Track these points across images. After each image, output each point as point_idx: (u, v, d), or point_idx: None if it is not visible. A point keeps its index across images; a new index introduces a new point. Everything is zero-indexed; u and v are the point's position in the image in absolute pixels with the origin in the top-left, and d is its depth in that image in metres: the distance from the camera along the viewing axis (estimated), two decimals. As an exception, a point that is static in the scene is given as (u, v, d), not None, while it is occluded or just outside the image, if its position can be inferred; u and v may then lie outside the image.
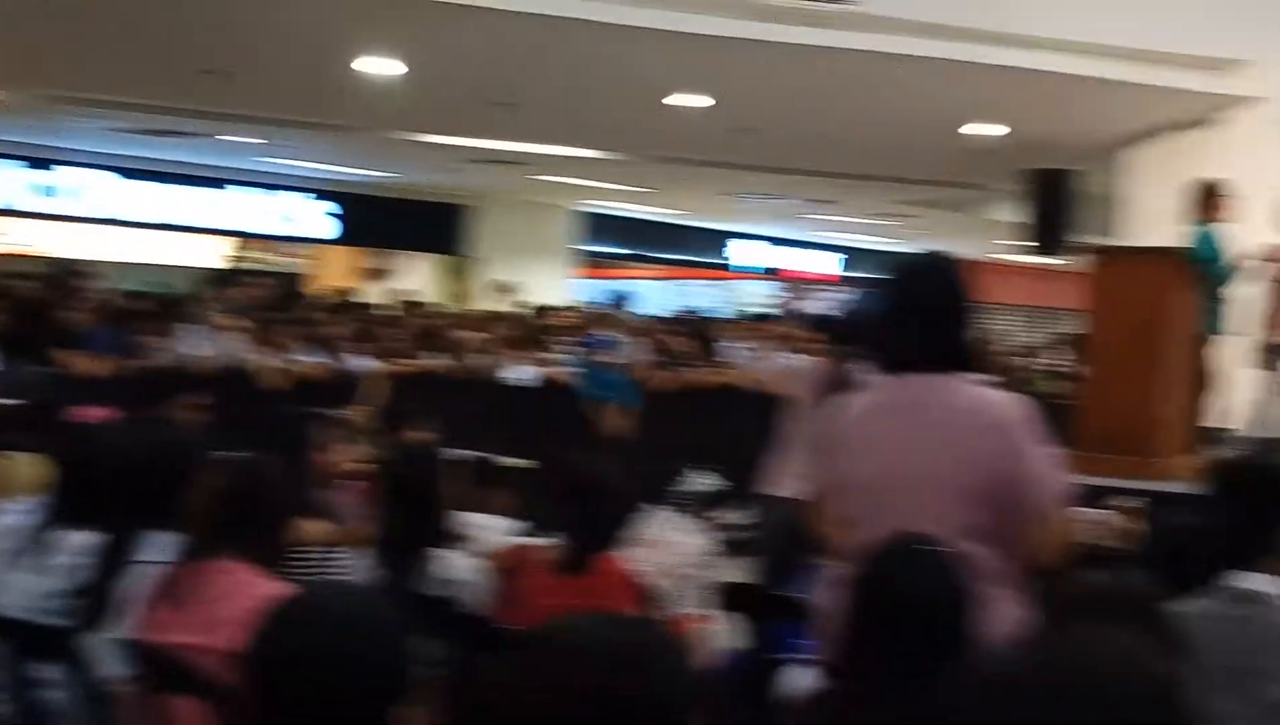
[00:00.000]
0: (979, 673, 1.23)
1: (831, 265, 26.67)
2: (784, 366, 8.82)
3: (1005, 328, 24.07)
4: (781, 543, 4.85)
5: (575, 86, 11.55)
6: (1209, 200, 8.91)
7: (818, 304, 20.97)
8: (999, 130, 12.37)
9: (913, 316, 3.25)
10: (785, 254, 26.00)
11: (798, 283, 25.82)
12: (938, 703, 1.21)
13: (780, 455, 6.41)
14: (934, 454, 3.14)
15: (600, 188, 18.92)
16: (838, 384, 6.32)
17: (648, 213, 22.38)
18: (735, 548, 6.02)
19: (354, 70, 10.83)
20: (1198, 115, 11.69)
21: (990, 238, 18.98)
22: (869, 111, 11.90)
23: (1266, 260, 8.85)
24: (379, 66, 10.79)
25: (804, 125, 12.63)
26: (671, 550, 5.64)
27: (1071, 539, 3.22)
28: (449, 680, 2.38)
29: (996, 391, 3.29)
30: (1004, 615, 2.86)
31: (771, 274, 26.15)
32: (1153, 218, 11.24)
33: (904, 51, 9.94)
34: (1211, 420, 8.96)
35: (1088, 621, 2.07)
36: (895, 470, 3.17)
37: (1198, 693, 2.70)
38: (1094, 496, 6.83)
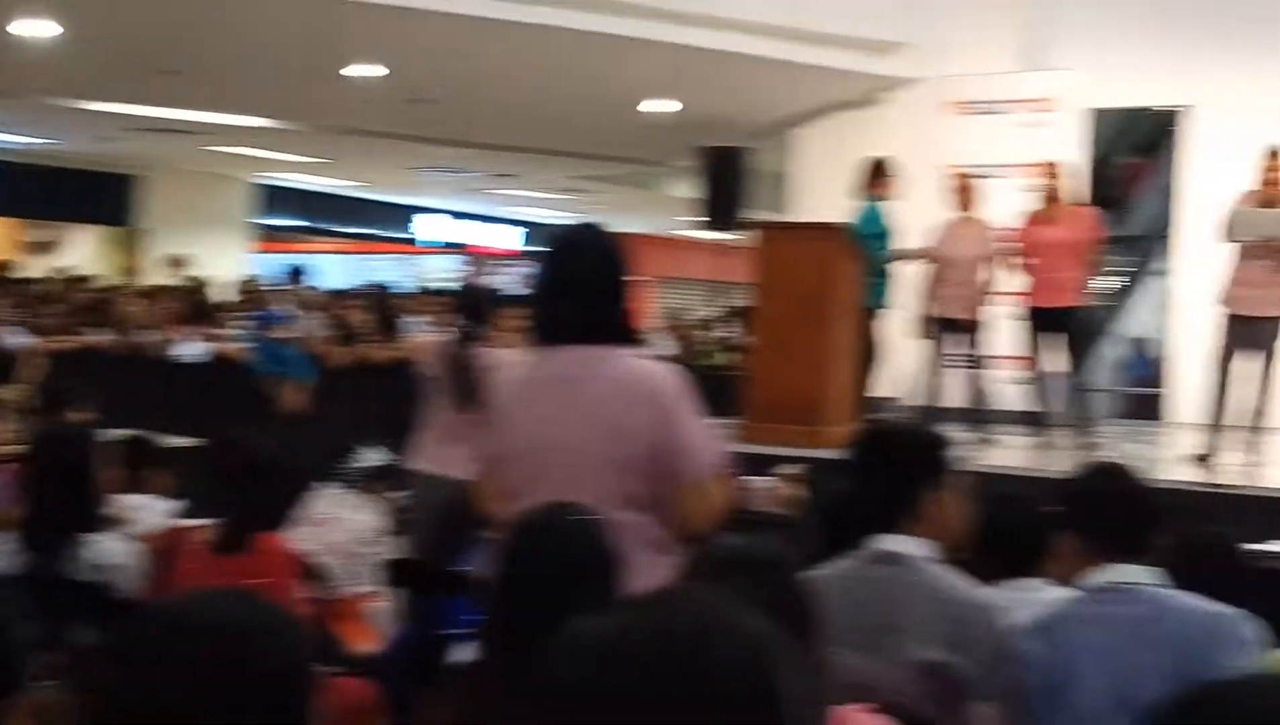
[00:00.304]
0: (573, 635, 1.21)
1: (515, 240, 26.71)
2: (420, 340, 8.88)
3: (685, 301, 24.55)
4: (447, 517, 4.82)
5: (247, 55, 11.21)
6: (875, 177, 9.24)
7: (499, 278, 20.97)
8: (674, 107, 12.57)
9: (566, 289, 3.25)
10: (471, 228, 25.92)
11: (480, 257, 25.77)
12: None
13: (425, 430, 6.39)
14: (588, 425, 3.15)
15: (278, 159, 18.47)
16: (459, 358, 6.36)
17: (329, 186, 21.97)
18: (404, 524, 5.97)
19: (7, 32, 10.26)
20: (864, 95, 12.13)
21: (670, 213, 19.31)
22: (547, 86, 11.93)
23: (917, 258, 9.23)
24: (33, 28, 10.26)
25: (481, 98, 12.59)
26: (340, 527, 5.55)
27: (727, 506, 3.27)
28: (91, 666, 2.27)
29: (651, 363, 3.31)
30: (660, 582, 2.89)
31: (457, 248, 26.03)
32: (822, 194, 11.61)
33: (577, 26, 9.98)
34: (878, 391, 9.33)
35: (714, 585, 2.10)
36: (550, 442, 3.17)
37: (834, 652, 2.80)
38: (764, 464, 7.04)
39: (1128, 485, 3.18)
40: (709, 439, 3.26)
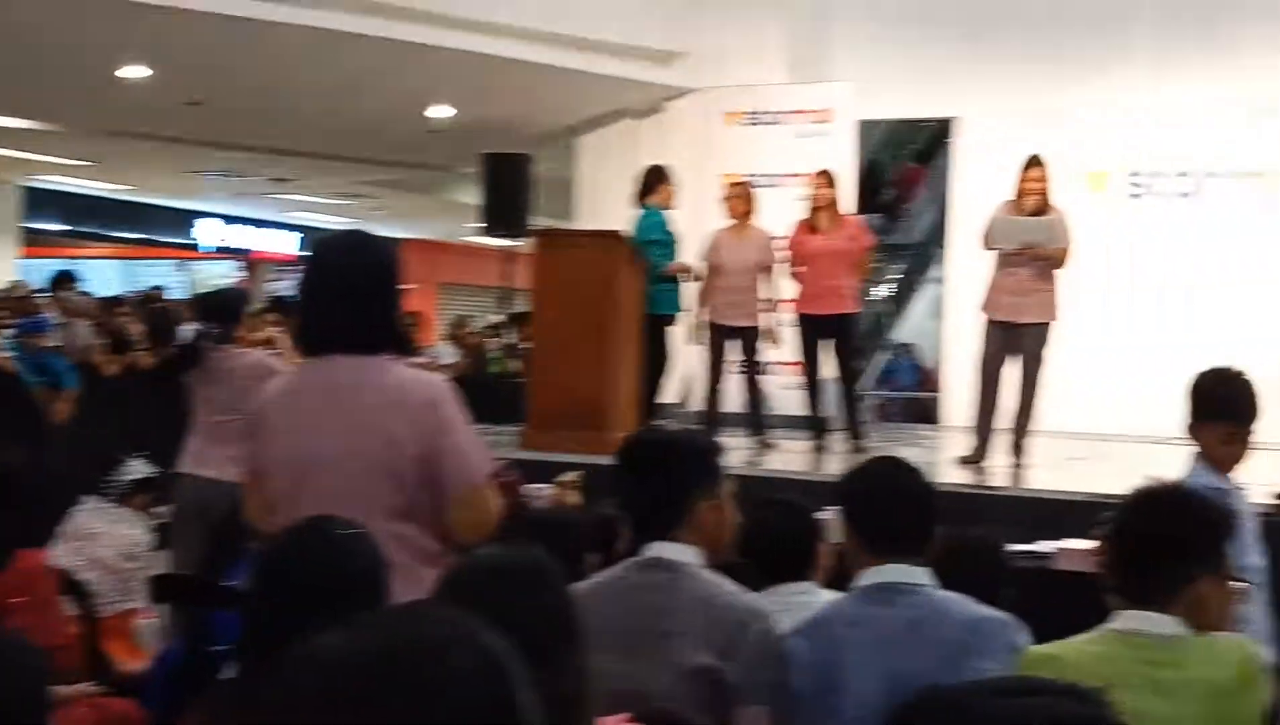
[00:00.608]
0: (309, 649, 1.19)
1: (295, 246, 26.22)
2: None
3: (473, 308, 24.44)
4: (218, 527, 4.71)
5: (12, 54, 10.80)
6: (652, 185, 9.30)
7: (278, 284, 20.58)
8: (455, 113, 12.51)
9: (331, 296, 3.19)
10: (255, 234, 25.37)
11: (258, 263, 25.26)
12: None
13: (192, 434, 6.28)
14: (356, 435, 3.10)
15: (47, 161, 17.81)
16: (197, 360, 6.29)
17: (103, 189, 21.27)
18: (171, 533, 5.81)
19: None
20: (646, 104, 12.24)
21: (456, 219, 19.21)
22: (324, 89, 11.76)
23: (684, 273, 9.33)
24: None
25: (257, 101, 12.34)
26: (104, 542, 5.37)
27: (498, 516, 3.24)
28: None
29: (420, 372, 3.28)
30: (428, 594, 2.85)
31: (240, 254, 25.45)
32: (606, 201, 11.69)
33: (349, 29, 9.86)
34: (662, 397, 9.39)
35: (473, 596, 2.08)
36: (315, 453, 3.11)
37: (605, 659, 2.79)
38: (546, 471, 7.01)
39: (902, 483, 3.15)
40: (480, 449, 3.23)
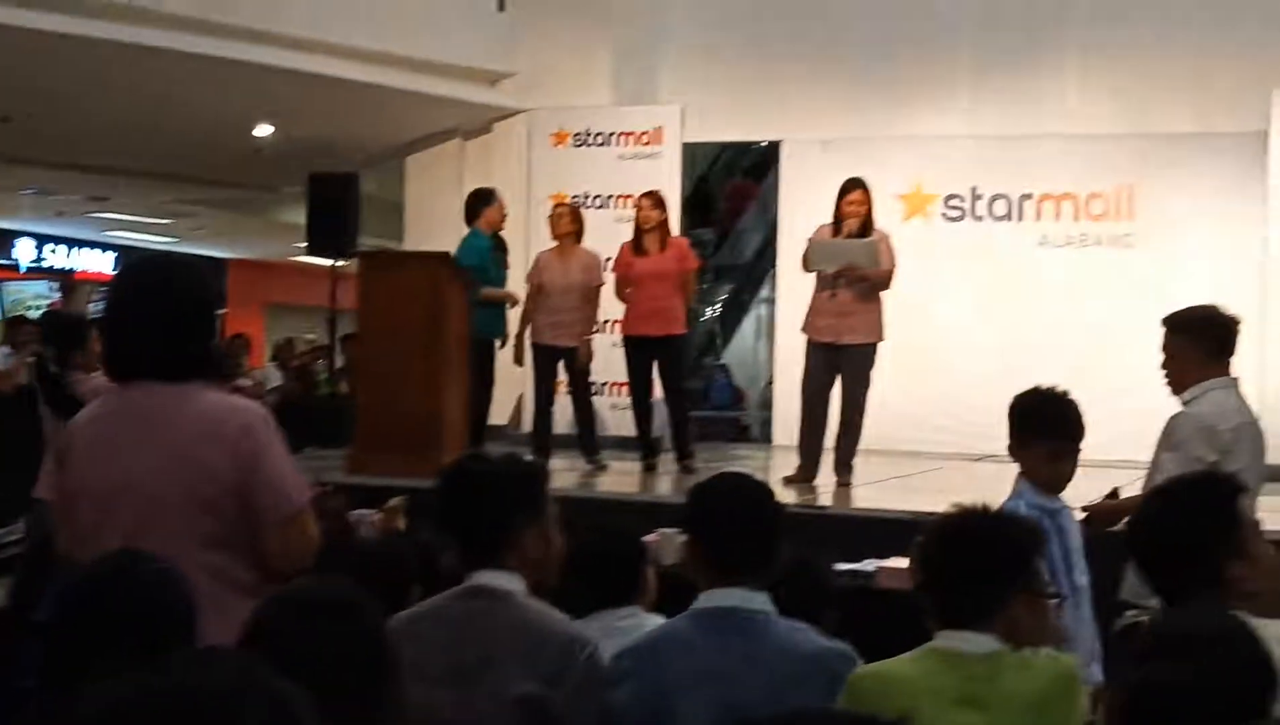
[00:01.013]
0: (98, 695, 1.14)
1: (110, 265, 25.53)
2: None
3: (301, 329, 24.06)
4: (30, 558, 4.55)
5: None
6: (479, 209, 9.23)
7: (99, 305, 20.02)
8: (280, 132, 12.31)
9: (139, 322, 3.09)
10: (75, 254, 24.65)
11: (78, 284, 24.56)
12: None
13: (44, 461, 6.11)
14: (167, 464, 3.01)
15: None
16: (54, 386, 6.14)
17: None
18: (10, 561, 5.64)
19: None
20: (474, 124, 12.19)
21: (285, 240, 18.92)
22: (143, 106, 11.48)
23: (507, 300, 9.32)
24: None
25: (69, 117, 12.00)
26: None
27: (315, 545, 3.17)
28: None
29: (234, 399, 3.20)
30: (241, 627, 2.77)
31: (61, 274, 24.70)
32: (434, 222, 11.61)
33: (167, 46, 9.63)
34: (491, 419, 9.32)
35: (282, 634, 2.03)
36: (125, 482, 3.02)
37: (428, 691, 2.75)
38: (373, 495, 6.90)
39: (749, 504, 3.10)
40: (296, 477, 3.16)
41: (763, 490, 3.17)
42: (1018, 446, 4.13)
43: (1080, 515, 4.49)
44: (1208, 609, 2.48)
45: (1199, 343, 4.66)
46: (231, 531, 3.04)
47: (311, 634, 2.04)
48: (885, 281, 8.13)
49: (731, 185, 17.05)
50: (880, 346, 8.22)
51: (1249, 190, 10.31)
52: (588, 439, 9.19)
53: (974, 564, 2.78)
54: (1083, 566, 4.14)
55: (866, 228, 8.15)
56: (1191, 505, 2.87)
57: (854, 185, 8.21)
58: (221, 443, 3.02)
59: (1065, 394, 4.14)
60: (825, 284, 8.15)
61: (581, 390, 9.22)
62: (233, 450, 3.02)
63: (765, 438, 12.44)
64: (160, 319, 3.07)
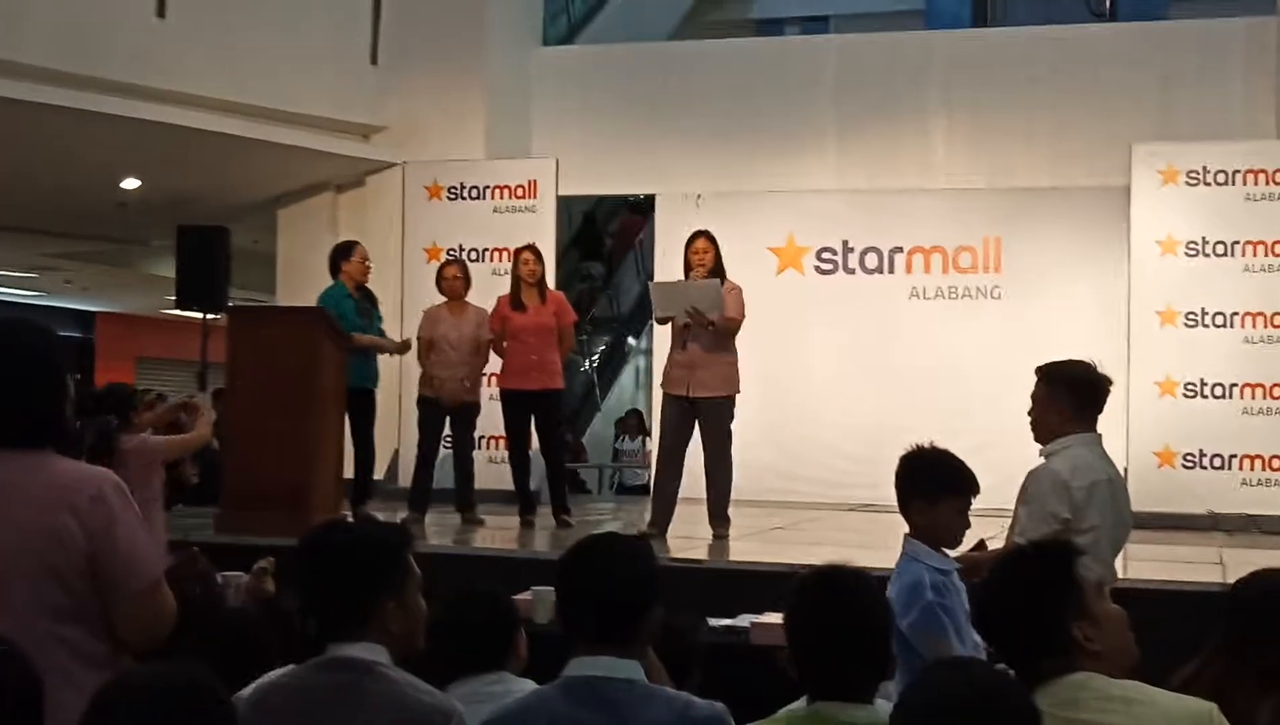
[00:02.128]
0: None
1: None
2: None
3: (173, 384, 23.65)
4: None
5: None
6: (339, 262, 9.12)
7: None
8: (146, 185, 12.12)
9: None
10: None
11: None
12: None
13: None
14: (14, 534, 2.91)
15: None
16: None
17: None
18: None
19: None
20: (347, 177, 12.11)
21: (156, 293, 18.61)
22: (3, 159, 11.20)
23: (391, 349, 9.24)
24: None
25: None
26: None
27: (170, 618, 3.08)
28: None
29: (85, 467, 3.10)
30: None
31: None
32: (307, 275, 11.47)
33: (29, 99, 9.46)
34: (365, 475, 9.18)
35: (123, 720, 1.97)
36: (-31, 554, 2.91)
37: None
38: (242, 555, 6.76)
39: (606, 569, 2.97)
40: (149, 549, 3.07)
41: (636, 553, 3.05)
42: (927, 505, 4.09)
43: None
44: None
45: (1069, 397, 4.70)
46: (82, 603, 2.94)
47: (154, 718, 1.98)
48: (730, 329, 8.10)
49: (621, 220, 17.15)
50: (742, 398, 8.21)
51: (1112, 244, 10.53)
52: (465, 494, 9.10)
53: (844, 634, 2.80)
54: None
55: (713, 276, 8.13)
56: (1030, 577, 2.88)
57: (699, 235, 8.29)
58: (73, 512, 2.93)
59: (949, 451, 4.16)
60: (677, 336, 8.17)
61: (464, 445, 9.14)
62: (85, 519, 2.93)
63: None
64: (6, 385, 2.98)
